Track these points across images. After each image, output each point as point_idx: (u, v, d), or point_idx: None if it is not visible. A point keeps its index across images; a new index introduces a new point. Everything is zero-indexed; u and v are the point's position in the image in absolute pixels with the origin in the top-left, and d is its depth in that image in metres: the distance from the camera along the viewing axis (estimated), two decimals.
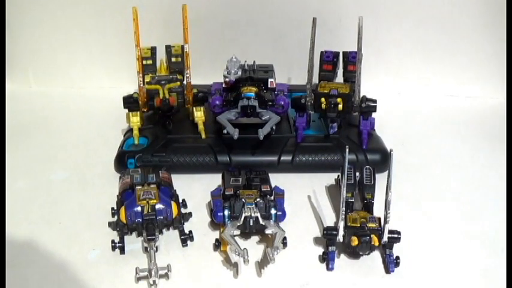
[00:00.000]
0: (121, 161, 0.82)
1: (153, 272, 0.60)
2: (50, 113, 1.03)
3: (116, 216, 0.71)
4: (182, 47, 0.88)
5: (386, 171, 0.64)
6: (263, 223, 0.67)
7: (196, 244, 0.69)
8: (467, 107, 1.08)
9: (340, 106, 0.83)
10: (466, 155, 0.90)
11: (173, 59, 0.90)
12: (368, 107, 0.86)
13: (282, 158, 0.84)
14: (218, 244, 0.67)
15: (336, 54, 0.92)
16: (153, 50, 0.90)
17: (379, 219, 0.66)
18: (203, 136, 0.87)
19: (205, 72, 0.94)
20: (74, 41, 1.09)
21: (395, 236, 0.65)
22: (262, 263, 0.65)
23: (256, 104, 0.82)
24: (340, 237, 0.65)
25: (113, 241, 0.67)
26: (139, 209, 0.67)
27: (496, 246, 0.69)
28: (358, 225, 0.65)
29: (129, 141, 0.86)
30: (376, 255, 0.67)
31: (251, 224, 0.67)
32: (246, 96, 0.83)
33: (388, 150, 0.64)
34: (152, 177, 0.73)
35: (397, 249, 0.65)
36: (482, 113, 1.06)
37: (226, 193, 0.70)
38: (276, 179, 0.77)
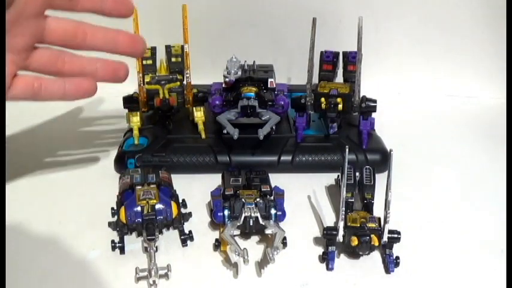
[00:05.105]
0: (121, 161, 0.82)
1: (153, 272, 0.60)
2: (50, 112, 1.03)
3: (116, 216, 0.71)
4: (182, 47, 0.88)
5: (386, 171, 0.64)
6: (263, 223, 0.66)
7: (196, 244, 0.69)
8: (467, 107, 1.08)
9: (340, 106, 0.83)
10: (466, 155, 0.90)
11: (173, 59, 0.90)
12: (368, 107, 0.86)
13: (282, 158, 0.84)
14: (218, 244, 0.67)
15: (336, 54, 0.92)
16: (153, 50, 0.90)
17: (379, 219, 0.66)
18: (203, 136, 0.87)
19: (205, 72, 0.93)
20: None
21: (395, 236, 0.65)
22: (262, 263, 0.65)
23: (256, 104, 0.82)
24: (340, 237, 0.65)
25: (112, 241, 0.67)
26: (139, 209, 0.67)
27: (496, 246, 0.69)
28: (358, 225, 0.65)
29: (129, 141, 0.86)
30: (376, 255, 0.67)
31: (251, 224, 0.66)
32: (246, 96, 0.83)
33: (388, 150, 0.64)
34: (152, 177, 0.73)
35: (397, 249, 0.65)
36: (482, 113, 1.06)
37: (226, 193, 0.70)
38: (276, 179, 0.77)
